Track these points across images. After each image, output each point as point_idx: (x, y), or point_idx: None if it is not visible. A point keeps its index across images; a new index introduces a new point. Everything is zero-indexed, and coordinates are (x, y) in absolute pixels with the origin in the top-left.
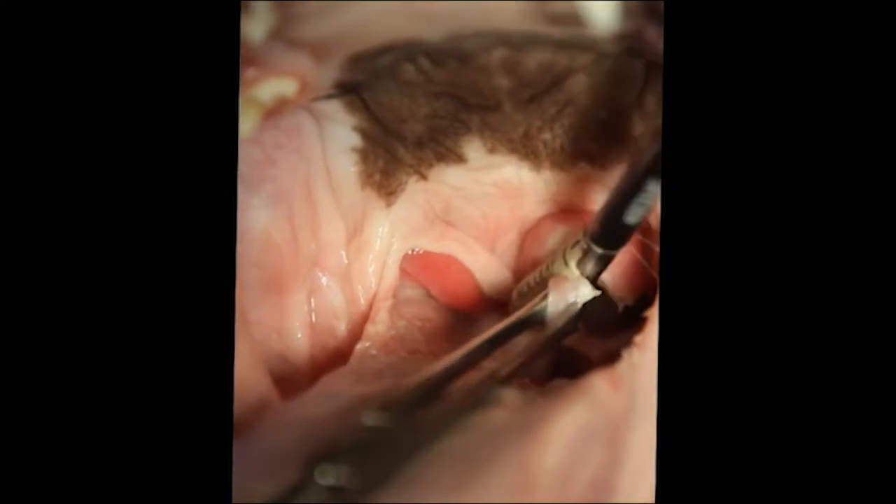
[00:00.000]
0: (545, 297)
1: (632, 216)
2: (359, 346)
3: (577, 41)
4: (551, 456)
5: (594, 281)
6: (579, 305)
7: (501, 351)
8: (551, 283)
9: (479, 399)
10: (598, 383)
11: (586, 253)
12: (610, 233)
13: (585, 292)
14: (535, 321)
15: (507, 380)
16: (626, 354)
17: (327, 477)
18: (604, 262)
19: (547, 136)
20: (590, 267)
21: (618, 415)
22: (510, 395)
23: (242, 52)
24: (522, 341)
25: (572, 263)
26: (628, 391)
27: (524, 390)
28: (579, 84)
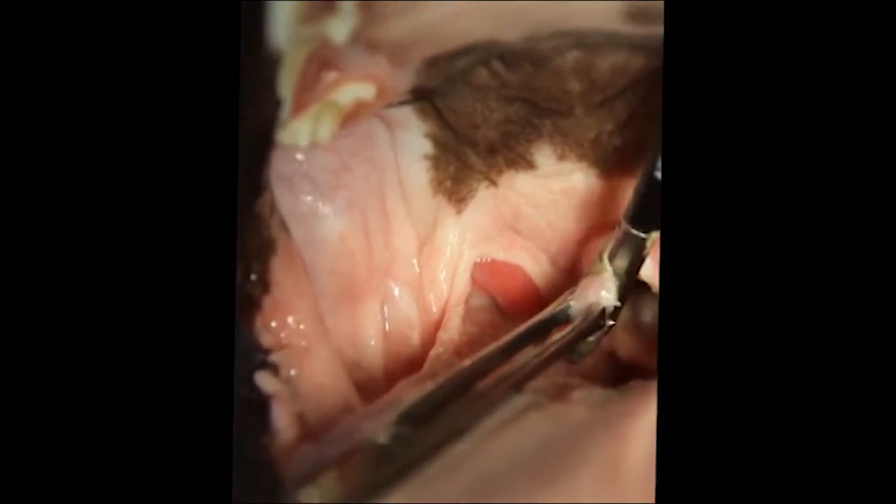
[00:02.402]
0: (571, 294)
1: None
2: (432, 353)
3: (652, 42)
4: (636, 451)
5: (633, 274)
6: (601, 305)
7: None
8: (581, 283)
9: (500, 400)
10: None
11: (620, 241)
12: (644, 201)
13: (609, 292)
14: (559, 321)
15: (525, 380)
16: None
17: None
18: (637, 249)
19: (617, 141)
20: (623, 258)
21: None
22: (585, 393)
23: (325, 54)
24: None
25: (605, 256)
26: None
27: (600, 389)
28: (652, 87)
